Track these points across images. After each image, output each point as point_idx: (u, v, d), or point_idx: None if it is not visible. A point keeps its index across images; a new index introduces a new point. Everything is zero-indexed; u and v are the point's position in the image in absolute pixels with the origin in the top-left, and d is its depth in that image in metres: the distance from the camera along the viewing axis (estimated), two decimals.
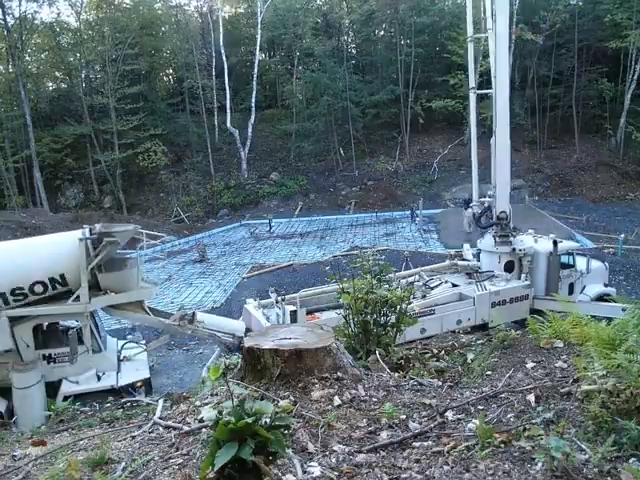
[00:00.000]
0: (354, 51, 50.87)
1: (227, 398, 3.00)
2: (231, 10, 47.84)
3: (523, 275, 14.24)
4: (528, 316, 6.84)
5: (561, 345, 4.49)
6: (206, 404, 3.69)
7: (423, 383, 4.28)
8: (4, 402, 9.84)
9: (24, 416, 9.20)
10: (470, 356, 5.22)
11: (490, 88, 15.45)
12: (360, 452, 2.89)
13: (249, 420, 2.43)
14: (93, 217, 28.58)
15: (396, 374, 4.70)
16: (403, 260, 17.49)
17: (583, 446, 2.61)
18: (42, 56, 44.14)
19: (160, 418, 3.89)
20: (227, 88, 40.17)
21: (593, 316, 4.78)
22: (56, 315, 10.52)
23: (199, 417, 3.47)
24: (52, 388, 10.12)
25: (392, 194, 37.29)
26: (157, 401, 4.94)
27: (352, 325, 6.08)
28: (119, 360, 11.25)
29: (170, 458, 3.07)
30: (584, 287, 14.58)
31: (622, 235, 23.33)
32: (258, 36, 40.53)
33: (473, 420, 3.15)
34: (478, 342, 5.89)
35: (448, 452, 2.81)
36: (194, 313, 11.59)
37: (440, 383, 4.41)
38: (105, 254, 10.23)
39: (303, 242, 29.48)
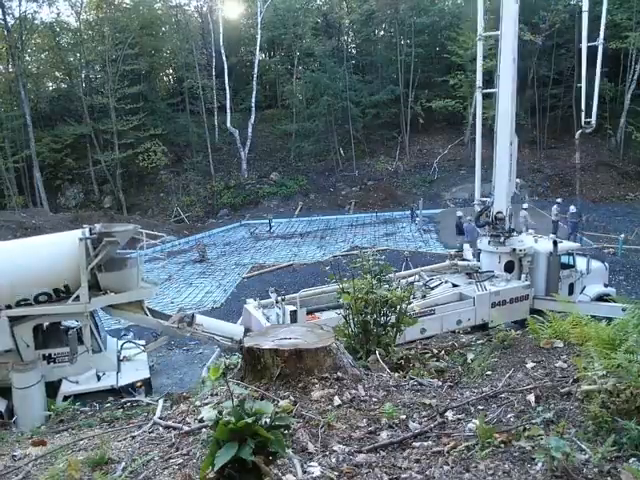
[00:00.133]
0: (354, 51, 50.86)
1: (227, 398, 3.00)
2: (236, 12, 47.82)
3: (523, 275, 14.23)
4: (528, 316, 6.85)
5: (561, 345, 4.49)
6: (206, 404, 3.69)
7: (423, 383, 4.29)
8: (4, 402, 9.83)
9: (24, 416, 9.20)
10: (470, 356, 5.22)
11: (493, 87, 15.45)
12: (360, 452, 2.89)
13: (249, 420, 2.43)
14: (93, 217, 28.59)
15: (396, 374, 4.70)
16: (403, 260, 17.49)
17: (583, 446, 2.61)
18: (42, 56, 44.12)
19: (160, 418, 3.89)
20: (227, 88, 40.16)
21: (593, 316, 4.78)
22: (56, 315, 10.51)
23: (199, 417, 3.48)
24: (52, 388, 10.11)
25: (392, 194, 37.28)
26: (157, 401, 4.95)
27: (352, 325, 6.09)
28: (119, 360, 11.24)
29: (170, 458, 3.07)
30: (584, 287, 14.58)
31: (622, 235, 23.32)
32: (258, 36, 40.52)
33: (473, 420, 3.15)
34: (478, 342, 5.89)
35: (448, 452, 2.81)
36: (193, 315, 11.57)
37: (440, 383, 4.41)
38: (105, 254, 10.22)
39: (303, 242, 29.47)
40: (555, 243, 14.20)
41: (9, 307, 9.84)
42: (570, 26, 37.45)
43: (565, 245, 14.85)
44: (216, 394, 3.89)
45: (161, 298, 19.47)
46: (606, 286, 15.09)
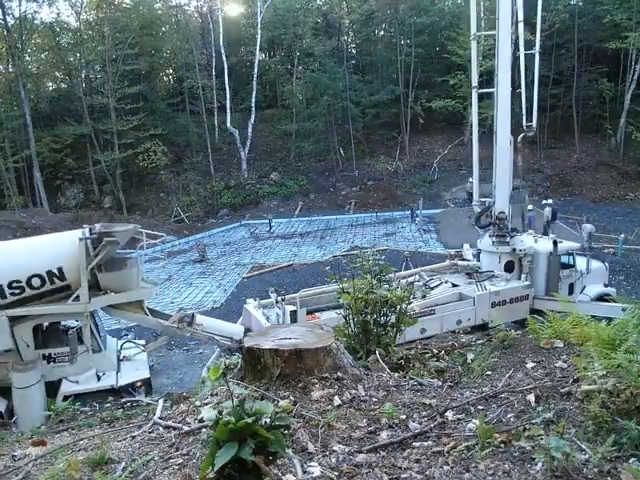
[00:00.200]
0: (354, 51, 50.85)
1: (227, 398, 3.00)
2: (236, 12, 47.71)
3: (523, 275, 14.23)
4: (528, 316, 6.85)
5: (561, 345, 4.49)
6: (206, 404, 3.69)
7: (423, 383, 4.29)
8: (4, 402, 9.84)
9: (24, 416, 9.20)
10: (470, 356, 5.22)
11: (491, 87, 15.44)
12: (360, 452, 2.89)
13: (249, 420, 2.43)
14: (93, 217, 28.58)
15: (396, 374, 4.70)
16: (403, 260, 17.49)
17: (583, 446, 2.61)
18: (42, 56, 44.11)
19: (160, 418, 3.89)
20: (227, 88, 40.16)
21: (593, 316, 4.78)
22: (56, 315, 10.52)
23: (199, 417, 3.48)
24: (52, 388, 10.12)
25: (392, 194, 37.29)
26: (157, 401, 4.94)
27: (352, 325, 6.09)
28: (119, 360, 11.25)
29: (170, 458, 3.07)
30: (584, 287, 14.58)
31: (622, 235, 23.32)
32: (258, 36, 40.51)
33: (473, 420, 3.15)
34: (478, 342, 5.89)
35: (448, 452, 2.81)
36: (193, 315, 11.57)
37: (440, 383, 4.41)
38: (105, 254, 10.23)
39: (303, 242, 29.47)
40: (555, 243, 14.20)
41: (2, 293, 9.79)
42: (570, 26, 37.48)
43: (565, 245, 14.85)
44: (216, 394, 3.89)
45: (161, 298, 19.47)
46: (606, 286, 15.10)
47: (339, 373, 3.85)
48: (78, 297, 10.08)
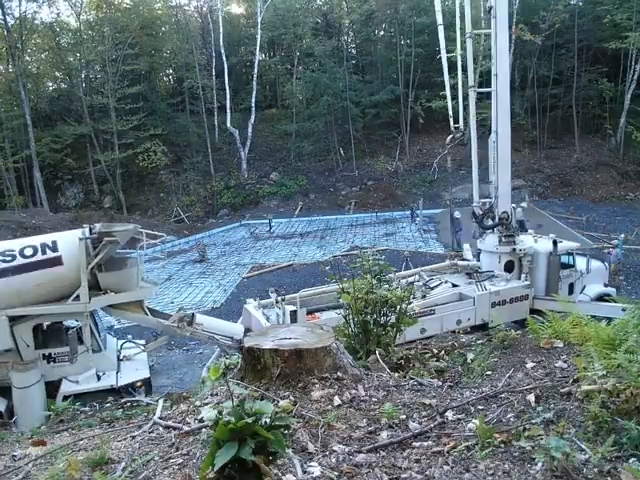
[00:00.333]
0: (354, 51, 50.84)
1: (227, 398, 3.00)
2: (238, 7, 47.69)
3: (523, 275, 14.23)
4: (528, 316, 6.85)
5: (561, 345, 4.49)
6: (206, 404, 3.69)
7: (423, 383, 4.29)
8: (4, 402, 9.84)
9: (24, 416, 9.20)
10: (470, 356, 5.22)
11: (489, 87, 15.44)
12: (360, 452, 2.89)
13: (249, 420, 2.43)
14: (93, 217, 28.59)
15: (396, 374, 4.70)
16: (403, 260, 17.49)
17: (583, 446, 2.61)
18: (42, 56, 44.13)
19: (160, 418, 3.89)
20: (227, 88, 40.17)
21: (593, 316, 4.78)
22: (56, 315, 10.51)
23: (199, 417, 3.47)
24: (52, 388, 10.11)
25: (392, 194, 37.29)
26: (157, 401, 4.94)
27: (352, 325, 6.09)
28: (119, 360, 11.25)
29: (170, 458, 3.07)
30: (584, 287, 14.58)
31: (622, 235, 23.32)
32: (258, 36, 40.51)
33: (473, 420, 3.15)
34: (478, 342, 5.89)
35: (448, 452, 2.81)
36: (193, 315, 11.57)
37: (440, 383, 4.41)
38: (105, 254, 10.22)
39: (303, 242, 29.47)
40: (555, 243, 14.20)
41: None
42: (570, 26, 37.48)
43: (565, 245, 14.86)
44: (216, 394, 3.89)
45: (161, 298, 19.47)
46: (606, 286, 15.10)
47: (339, 373, 3.85)
48: (78, 297, 10.08)
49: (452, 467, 2.65)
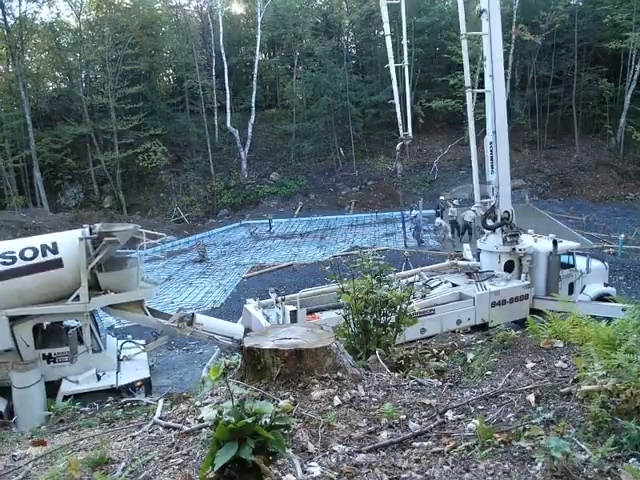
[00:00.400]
0: (354, 51, 50.83)
1: (227, 398, 3.00)
2: (238, 5, 47.66)
3: (523, 275, 14.24)
4: (528, 316, 6.84)
5: (561, 345, 4.49)
6: (206, 404, 3.69)
7: (423, 383, 4.29)
8: (4, 402, 9.84)
9: (24, 416, 9.20)
10: (470, 356, 5.22)
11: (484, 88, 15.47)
12: (360, 452, 2.89)
13: (249, 420, 2.43)
14: (93, 217, 28.59)
15: (396, 374, 4.70)
16: (403, 260, 17.49)
17: (583, 446, 2.61)
18: (42, 56, 44.12)
19: (160, 418, 3.89)
20: (227, 88, 40.16)
21: (593, 316, 4.78)
22: (56, 315, 10.52)
23: (199, 417, 3.48)
24: (52, 388, 10.12)
25: (392, 194, 37.28)
26: (157, 401, 4.94)
27: (352, 325, 6.09)
28: (119, 360, 11.25)
29: (170, 458, 3.07)
30: (584, 287, 14.58)
31: (622, 235, 23.33)
32: (258, 36, 40.50)
33: (473, 420, 3.15)
34: (478, 342, 5.89)
35: (448, 452, 2.81)
36: (193, 315, 11.57)
37: (440, 383, 4.41)
38: (105, 254, 10.23)
39: (303, 242, 29.46)
40: (555, 243, 14.20)
41: None
42: (570, 26, 37.49)
43: (565, 245, 14.86)
44: (216, 394, 3.89)
45: (161, 298, 19.47)
46: (606, 286, 15.10)
47: (339, 373, 3.86)
48: (78, 297, 10.08)
49: (452, 467, 2.65)
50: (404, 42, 17.53)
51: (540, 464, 2.51)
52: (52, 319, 10.71)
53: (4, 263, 9.75)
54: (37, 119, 38.66)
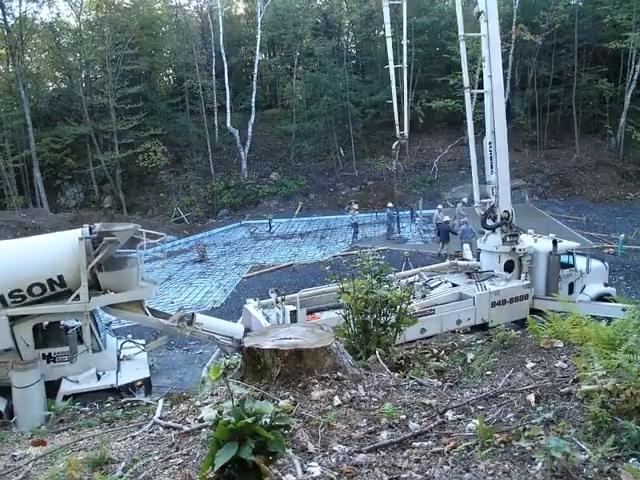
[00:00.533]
0: (354, 51, 50.81)
1: (227, 398, 3.00)
2: (238, 4, 47.71)
3: (523, 275, 14.24)
4: (528, 316, 6.85)
5: (561, 345, 4.49)
6: (206, 404, 3.69)
7: (423, 383, 4.29)
8: (4, 401, 9.84)
9: (24, 415, 9.20)
10: (470, 356, 5.22)
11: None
12: (360, 452, 2.89)
13: (249, 420, 2.43)
14: (93, 217, 28.58)
15: (396, 374, 4.70)
16: (403, 260, 17.50)
17: (583, 446, 2.61)
18: (42, 56, 44.10)
19: (160, 418, 3.89)
20: (227, 88, 40.15)
21: (593, 316, 4.78)
22: (56, 314, 10.52)
23: (199, 417, 3.48)
24: (52, 387, 10.12)
25: (392, 194, 37.25)
26: (157, 401, 4.94)
27: (352, 325, 6.09)
28: (119, 359, 11.25)
29: (170, 458, 3.07)
30: (584, 287, 14.58)
31: (622, 235, 23.33)
32: (258, 36, 40.49)
33: (473, 420, 3.15)
34: (478, 342, 5.89)
35: (448, 452, 2.82)
36: (193, 314, 11.57)
37: (440, 383, 4.41)
38: (105, 253, 10.23)
39: (303, 242, 29.46)
40: (555, 243, 14.21)
41: (4, 302, 9.79)
42: (570, 26, 37.48)
43: (565, 245, 14.87)
44: (216, 394, 3.89)
45: (161, 298, 19.47)
46: (606, 286, 15.10)
47: (339, 373, 3.86)
48: (78, 296, 10.08)
49: (452, 467, 2.65)
50: (404, 43, 17.77)
51: (540, 464, 2.51)
52: (52, 319, 10.71)
53: (13, 302, 9.87)
54: (37, 119, 38.64)
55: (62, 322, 11.10)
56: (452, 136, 40.73)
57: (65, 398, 9.47)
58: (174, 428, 3.54)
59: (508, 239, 14.64)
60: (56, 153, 37.93)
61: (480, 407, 3.44)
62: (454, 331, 9.59)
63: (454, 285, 14.10)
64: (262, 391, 3.56)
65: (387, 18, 18.36)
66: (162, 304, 18.18)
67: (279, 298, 12.48)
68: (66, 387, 10.11)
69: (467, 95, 16.10)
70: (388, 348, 5.69)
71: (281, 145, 43.06)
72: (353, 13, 47.53)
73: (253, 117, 40.92)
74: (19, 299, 9.88)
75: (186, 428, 3.45)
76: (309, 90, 42.56)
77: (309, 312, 12.31)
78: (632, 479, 2.32)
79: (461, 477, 2.55)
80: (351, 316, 6.09)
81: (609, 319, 4.45)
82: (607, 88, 37.91)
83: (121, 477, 2.92)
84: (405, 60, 17.46)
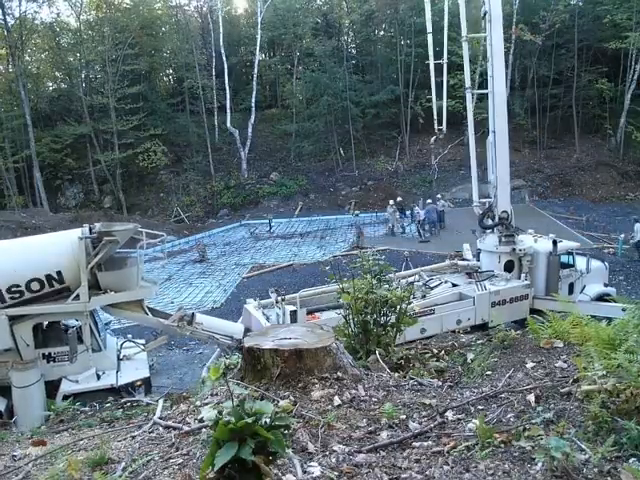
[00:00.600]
0: (354, 51, 50.81)
1: (227, 398, 3.00)
2: (236, 11, 47.77)
3: (523, 275, 14.23)
4: (528, 316, 6.84)
5: (561, 345, 4.49)
6: (206, 404, 3.68)
7: (423, 383, 4.29)
8: (4, 401, 9.84)
9: (24, 415, 9.20)
10: (470, 356, 5.22)
11: (486, 88, 15.52)
12: (360, 452, 2.89)
13: (249, 420, 2.43)
14: (93, 217, 28.57)
15: (396, 374, 4.70)
16: (403, 260, 17.50)
17: (583, 446, 2.61)
18: (42, 56, 44.09)
19: (160, 418, 3.89)
20: (227, 88, 40.15)
21: (593, 316, 4.78)
22: (56, 314, 10.52)
23: (199, 417, 3.47)
24: (52, 387, 10.12)
25: (392, 194, 37.26)
26: (157, 401, 4.94)
27: (352, 325, 6.09)
28: (119, 359, 11.25)
29: (170, 458, 3.07)
30: (584, 287, 14.58)
31: (622, 235, 23.33)
32: (258, 36, 40.50)
33: (473, 420, 3.15)
34: (478, 342, 5.89)
35: (448, 452, 2.81)
36: (193, 314, 11.58)
37: (440, 383, 4.41)
38: (105, 253, 10.23)
39: (303, 242, 29.46)
40: (555, 243, 14.20)
41: (2, 297, 9.79)
42: (570, 26, 37.49)
43: (565, 245, 14.87)
44: (216, 394, 3.89)
45: (161, 298, 19.47)
46: (606, 286, 15.10)
47: (339, 373, 3.85)
48: (78, 296, 10.08)
49: (452, 467, 2.65)
50: (445, 39, 17.85)
51: (540, 464, 2.50)
52: (52, 318, 10.72)
53: (11, 298, 9.85)
54: (37, 119, 38.64)
55: (62, 322, 11.10)
56: (452, 136, 40.66)
57: (65, 398, 9.46)
58: (174, 428, 3.54)
59: (504, 239, 14.65)
60: (56, 153, 37.93)
61: (480, 407, 3.44)
62: (454, 331, 9.59)
63: (454, 285, 14.10)
64: (262, 391, 3.56)
65: (428, 15, 18.68)
66: (162, 304, 18.18)
67: (279, 298, 12.48)
68: (66, 387, 10.11)
69: (468, 96, 16.14)
70: (388, 348, 5.68)
71: (281, 145, 43.06)
72: (353, 13, 47.52)
73: (253, 117, 40.93)
74: (17, 295, 9.85)
75: (186, 428, 3.45)
76: (309, 90, 42.57)
77: (309, 312, 12.31)
78: (632, 479, 2.32)
79: (461, 477, 2.55)
80: (351, 316, 6.09)
81: (609, 319, 4.45)
82: (607, 88, 37.91)
83: (121, 477, 2.92)
84: (445, 56, 17.60)
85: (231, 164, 40.99)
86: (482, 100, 16.93)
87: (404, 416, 3.39)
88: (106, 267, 10.57)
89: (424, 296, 13.12)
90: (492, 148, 14.93)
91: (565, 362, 4.00)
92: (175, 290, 21.61)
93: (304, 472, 2.64)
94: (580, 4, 39.67)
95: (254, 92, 41.25)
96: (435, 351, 5.81)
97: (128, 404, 6.09)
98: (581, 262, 14.56)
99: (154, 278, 16.49)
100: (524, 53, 39.28)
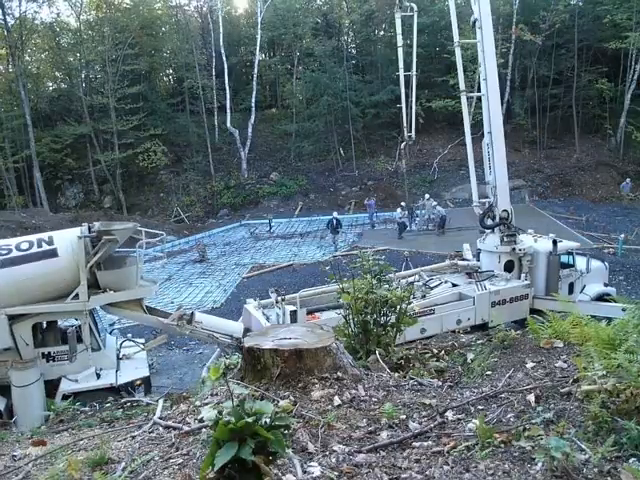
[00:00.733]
0: (354, 51, 50.79)
1: (227, 398, 3.00)
2: (236, 11, 47.78)
3: (523, 275, 14.24)
4: (528, 316, 6.85)
5: (561, 345, 4.49)
6: (206, 404, 3.68)
7: (423, 383, 4.29)
8: (3, 401, 9.84)
9: (23, 414, 9.20)
10: (470, 356, 5.22)
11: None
12: (360, 452, 2.89)
13: (249, 420, 2.43)
14: (93, 217, 28.53)
15: (396, 374, 4.70)
16: (403, 260, 17.49)
17: (583, 446, 2.61)
18: (42, 56, 44.08)
19: (160, 418, 3.89)
20: (227, 88, 40.15)
21: (593, 316, 4.78)
22: (55, 313, 10.51)
23: (199, 417, 3.47)
24: (51, 387, 10.11)
25: (392, 194, 37.27)
26: (157, 401, 4.94)
27: (352, 325, 6.09)
28: (118, 358, 11.24)
29: (170, 458, 3.07)
30: (584, 287, 14.58)
31: (622, 235, 23.33)
32: (258, 36, 40.49)
33: (473, 420, 3.15)
34: (478, 342, 5.89)
35: (448, 452, 2.81)
36: (192, 313, 11.57)
37: (440, 383, 4.41)
38: (104, 252, 10.22)
39: (303, 242, 29.46)
40: (555, 242, 14.21)
41: None
42: (570, 26, 37.48)
43: (565, 245, 14.87)
44: (216, 394, 3.89)
45: (161, 298, 19.47)
46: (606, 286, 15.10)
47: (339, 373, 3.85)
48: (77, 295, 10.08)
49: (452, 467, 2.65)
50: (414, 52, 19.10)
51: (540, 464, 2.50)
52: (52, 318, 10.71)
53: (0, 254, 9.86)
54: (37, 119, 38.63)
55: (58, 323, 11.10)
56: (452, 136, 40.67)
57: (65, 397, 9.46)
58: (174, 428, 3.54)
59: (506, 239, 14.65)
60: (56, 153, 37.92)
61: (480, 407, 3.44)
62: (454, 331, 9.59)
63: (454, 285, 14.10)
64: (262, 391, 3.56)
65: (399, 29, 20.13)
66: (162, 304, 18.16)
67: (279, 298, 12.48)
68: (65, 386, 10.10)
69: (463, 98, 16.22)
70: (388, 348, 5.68)
71: (281, 145, 43.06)
72: (353, 13, 47.50)
73: (253, 117, 40.92)
74: (5, 252, 9.91)
75: (186, 428, 3.45)
76: (309, 90, 42.56)
77: (309, 312, 12.31)
78: (632, 479, 2.32)
79: (461, 477, 2.55)
80: (351, 316, 6.09)
81: (609, 319, 4.45)
82: (607, 88, 37.90)
83: (121, 477, 2.92)
84: (414, 68, 18.81)
85: (231, 164, 40.98)
86: (481, 101, 16.95)
87: (404, 416, 3.39)
88: (105, 266, 10.57)
89: (424, 296, 13.12)
90: (488, 149, 14.96)
91: (565, 362, 4.00)
92: (175, 290, 21.61)
93: (304, 472, 2.64)
94: (580, 4, 39.67)
95: (254, 92, 41.24)
96: (435, 351, 5.81)
97: (128, 404, 6.09)
98: (581, 262, 14.56)
99: (153, 278, 16.50)
100: (524, 53, 39.27)
